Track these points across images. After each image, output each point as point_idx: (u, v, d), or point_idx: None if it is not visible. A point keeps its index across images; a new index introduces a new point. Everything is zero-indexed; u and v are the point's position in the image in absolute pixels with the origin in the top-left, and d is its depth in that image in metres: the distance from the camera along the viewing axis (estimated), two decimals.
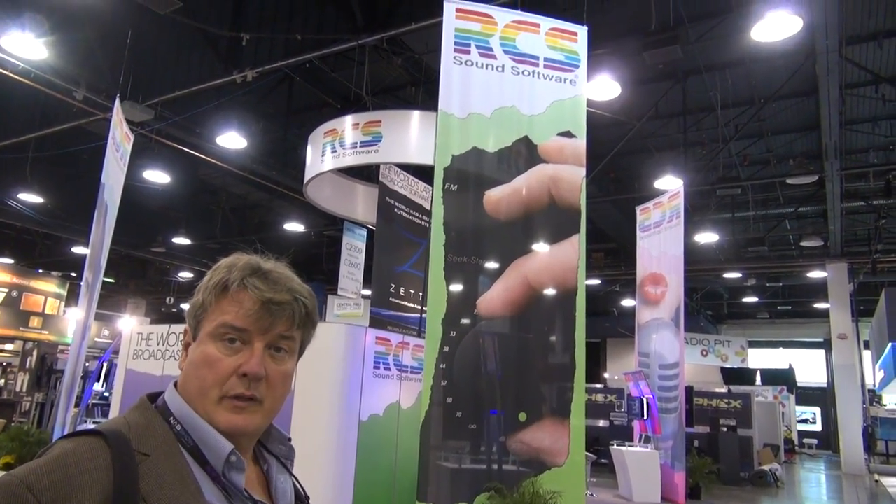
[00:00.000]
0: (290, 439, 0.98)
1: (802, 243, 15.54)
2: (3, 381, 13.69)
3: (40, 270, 18.41)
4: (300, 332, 0.92)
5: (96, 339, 16.03)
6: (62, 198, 14.50)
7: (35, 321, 16.76)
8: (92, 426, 0.83)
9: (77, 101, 9.44)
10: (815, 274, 17.62)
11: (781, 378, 22.42)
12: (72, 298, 17.65)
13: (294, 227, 16.38)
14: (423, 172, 9.65)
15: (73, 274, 19.10)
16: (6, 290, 16.53)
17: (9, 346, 15.54)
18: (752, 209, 15.00)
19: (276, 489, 0.92)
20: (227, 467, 0.84)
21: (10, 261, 17.97)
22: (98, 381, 11.21)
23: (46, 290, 17.74)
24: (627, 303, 21.40)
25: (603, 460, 12.66)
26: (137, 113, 9.46)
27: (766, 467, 13.43)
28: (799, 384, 23.61)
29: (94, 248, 7.08)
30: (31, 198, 13.84)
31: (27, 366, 13.07)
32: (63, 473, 0.73)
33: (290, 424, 4.79)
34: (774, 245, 17.51)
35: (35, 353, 13.15)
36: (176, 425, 0.85)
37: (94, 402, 11.69)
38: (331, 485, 5.03)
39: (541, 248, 5.94)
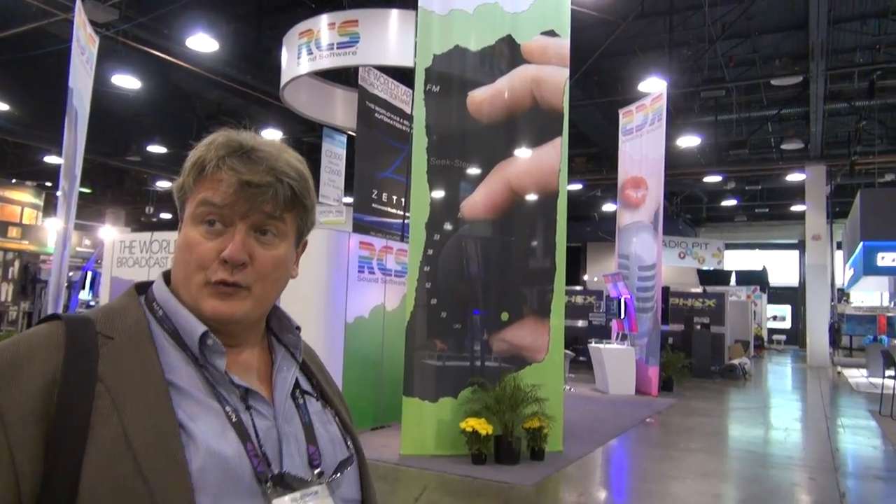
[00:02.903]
0: (298, 328, 0.94)
1: (783, 146, 15.63)
2: None
3: (14, 180, 18.01)
4: (290, 214, 0.86)
5: (77, 249, 15.98)
6: (29, 104, 13.98)
7: (14, 231, 16.58)
8: None
9: (35, 0, 8.93)
10: (794, 177, 17.82)
11: (755, 278, 23.15)
12: (49, 209, 17.39)
13: (271, 133, 16.04)
14: (403, 75, 9.39)
15: (49, 184, 18.72)
16: None
17: None
18: (736, 112, 14.92)
19: (276, 377, 0.88)
20: (204, 350, 0.81)
21: None
22: (83, 289, 11.27)
23: (22, 199, 17.45)
24: (609, 207, 21.57)
25: (581, 358, 13.19)
26: (100, 13, 8.99)
27: (735, 361, 14.11)
28: (772, 284, 24.42)
29: (68, 157, 6.93)
30: None
31: (10, 276, 13.07)
32: (13, 353, 0.73)
33: None
34: (755, 148, 17.56)
35: (17, 264, 13.12)
36: (158, 310, 0.83)
37: (80, 310, 11.79)
38: None
39: (523, 152, 5.92)
